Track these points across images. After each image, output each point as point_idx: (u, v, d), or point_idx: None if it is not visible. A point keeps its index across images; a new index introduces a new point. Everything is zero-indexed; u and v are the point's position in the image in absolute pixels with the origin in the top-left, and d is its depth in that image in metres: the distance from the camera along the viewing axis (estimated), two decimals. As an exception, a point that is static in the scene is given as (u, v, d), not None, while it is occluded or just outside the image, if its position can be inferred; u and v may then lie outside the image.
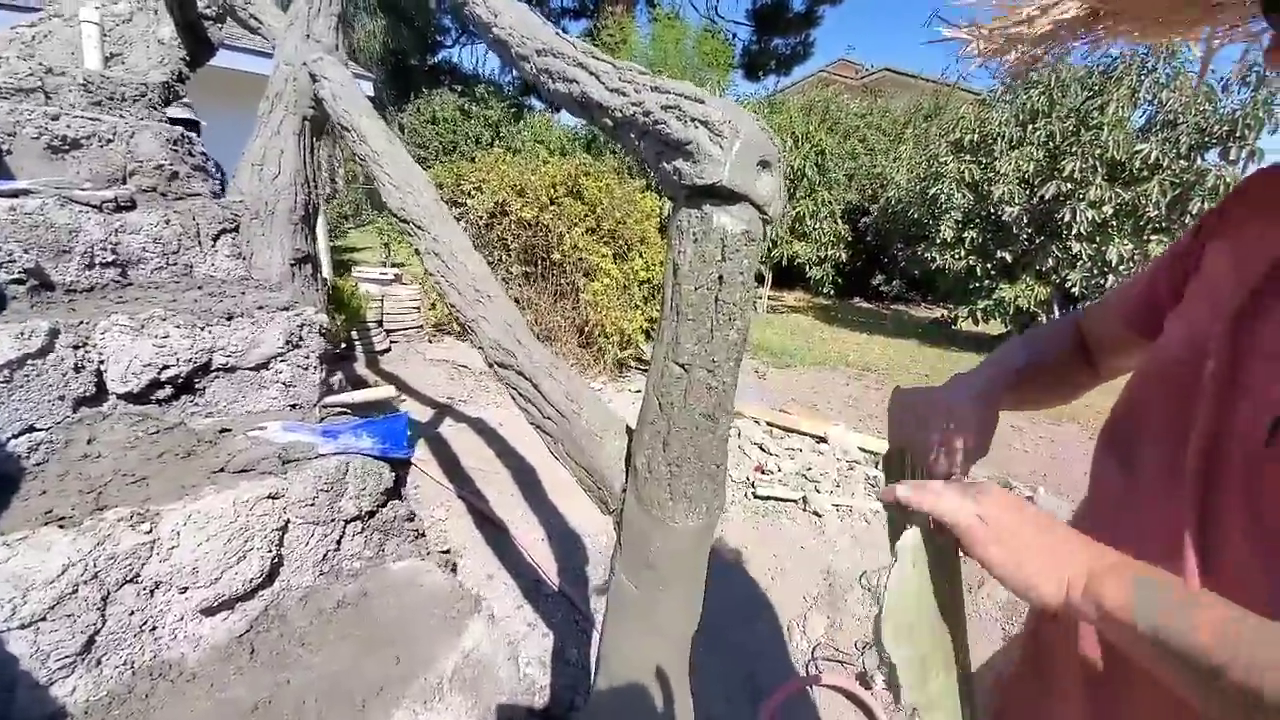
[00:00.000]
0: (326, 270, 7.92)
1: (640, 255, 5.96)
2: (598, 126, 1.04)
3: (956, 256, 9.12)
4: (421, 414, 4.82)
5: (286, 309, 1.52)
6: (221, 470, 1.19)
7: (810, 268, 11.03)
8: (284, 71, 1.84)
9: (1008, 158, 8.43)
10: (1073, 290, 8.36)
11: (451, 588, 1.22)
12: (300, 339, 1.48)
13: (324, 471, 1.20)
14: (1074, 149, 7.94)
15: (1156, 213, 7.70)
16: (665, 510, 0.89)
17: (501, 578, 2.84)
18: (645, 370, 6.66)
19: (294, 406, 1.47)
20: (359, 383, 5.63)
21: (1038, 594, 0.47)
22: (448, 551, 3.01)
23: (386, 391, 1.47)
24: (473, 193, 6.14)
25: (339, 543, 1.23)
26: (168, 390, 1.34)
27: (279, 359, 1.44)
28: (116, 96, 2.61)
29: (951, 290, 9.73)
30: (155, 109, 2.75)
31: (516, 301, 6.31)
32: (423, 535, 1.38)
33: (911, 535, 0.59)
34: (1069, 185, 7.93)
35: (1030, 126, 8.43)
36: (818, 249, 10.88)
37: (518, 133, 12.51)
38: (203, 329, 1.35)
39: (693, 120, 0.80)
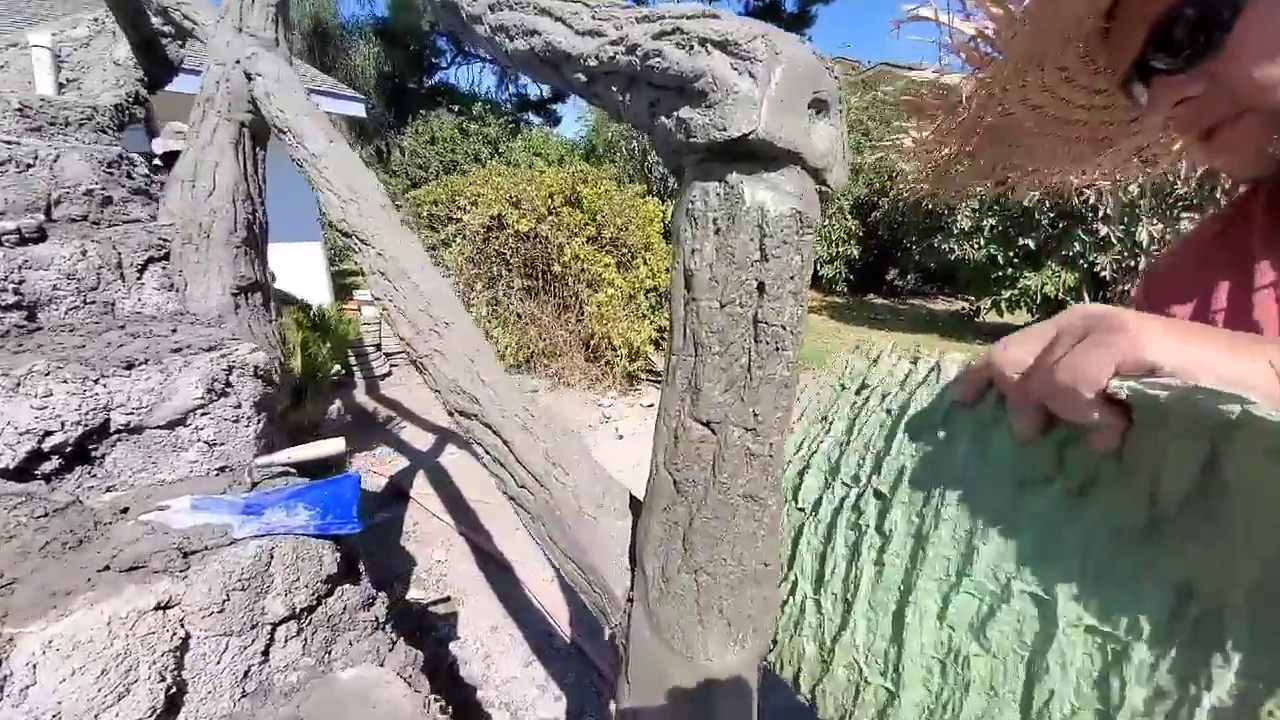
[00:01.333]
0: (326, 295, 7.74)
1: (645, 263, 5.68)
2: (571, 88, 0.76)
3: (976, 246, 8.74)
4: (423, 441, 4.56)
5: (213, 349, 1.25)
6: (107, 568, 0.91)
7: (821, 266, 10.69)
8: (215, 72, 1.59)
9: (1024, 140, 8.06)
10: (1103, 275, 7.95)
11: (413, 707, 0.93)
12: (227, 385, 1.21)
13: (237, 564, 0.92)
14: (1094, 127, 7.56)
15: (1186, 189, 7.29)
16: (690, 639, 0.59)
17: (507, 629, 2.55)
18: (657, 382, 6.36)
19: (222, 470, 1.20)
20: (359, 412, 5.39)
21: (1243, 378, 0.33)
22: (448, 599, 2.73)
23: (334, 446, 1.19)
24: (468, 207, 5.92)
25: (266, 653, 0.95)
26: (56, 461, 1.07)
27: (199, 413, 1.17)
28: (59, 121, 2.38)
29: (972, 281, 9.35)
30: (105, 132, 2.52)
31: (519, 317, 6.06)
32: (383, 626, 1.10)
33: None
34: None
35: (1045, 106, 8.05)
36: (829, 246, 10.57)
37: (517, 149, 12.39)
38: (96, 382, 1.08)
39: (703, 43, 0.51)
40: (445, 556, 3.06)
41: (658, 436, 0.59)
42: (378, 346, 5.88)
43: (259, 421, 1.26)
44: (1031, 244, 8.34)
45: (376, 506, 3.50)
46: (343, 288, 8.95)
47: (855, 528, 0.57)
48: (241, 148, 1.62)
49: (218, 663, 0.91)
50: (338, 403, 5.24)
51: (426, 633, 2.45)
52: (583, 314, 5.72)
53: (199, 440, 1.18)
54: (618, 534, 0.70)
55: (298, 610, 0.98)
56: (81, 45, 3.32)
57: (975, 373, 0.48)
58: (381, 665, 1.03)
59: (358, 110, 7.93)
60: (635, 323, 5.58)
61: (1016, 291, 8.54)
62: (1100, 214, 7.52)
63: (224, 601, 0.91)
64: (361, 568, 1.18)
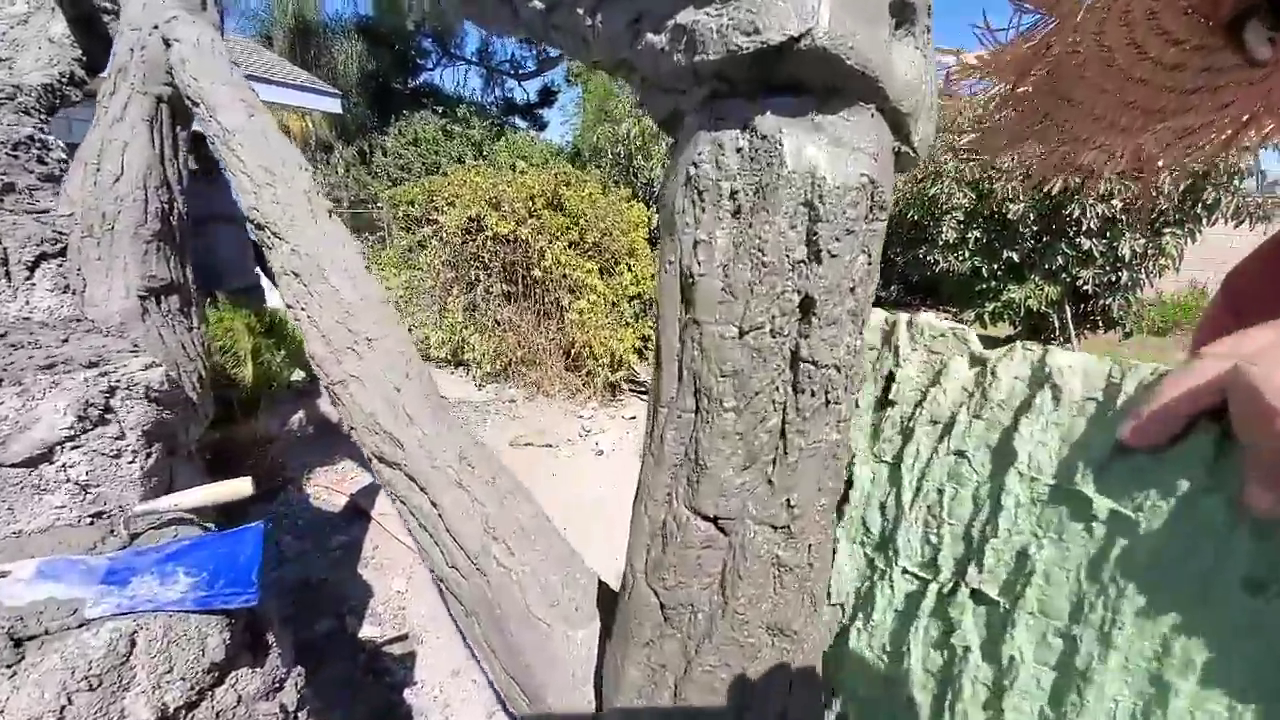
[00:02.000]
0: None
1: (629, 269, 5.50)
2: (527, 29, 0.56)
3: (960, 258, 8.72)
4: (392, 455, 4.29)
5: (94, 365, 1.02)
6: (-99, 664, 0.68)
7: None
8: (129, 38, 1.37)
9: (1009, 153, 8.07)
10: (1084, 288, 7.98)
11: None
12: (107, 411, 0.98)
13: (83, 656, 0.69)
14: (1078, 142, 7.60)
15: (1168, 204, 7.36)
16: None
17: (470, 673, 2.30)
18: (640, 393, 6.16)
19: (97, 517, 0.97)
20: (322, 422, 5.08)
21: None
22: (405, 637, 2.49)
23: (238, 487, 0.97)
24: (445, 208, 5.69)
25: (123, 770, 0.73)
26: None
27: (69, 445, 0.94)
28: (-29, 98, 2.12)
29: (956, 293, 9.34)
30: (29, 114, 2.27)
31: (497, 323, 5.82)
32: (293, 716, 0.88)
33: None
34: (1076, 179, 7.56)
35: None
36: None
37: (500, 151, 12.21)
38: (-76, 409, 0.84)
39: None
40: (406, 587, 2.81)
41: (636, 530, 0.39)
42: (347, 353, 5.58)
43: (149, 455, 1.03)
44: (1015, 257, 8.34)
45: (334, 529, 3.24)
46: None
47: (944, 649, 0.37)
48: (158, 126, 1.39)
49: (47, 791, 0.68)
50: (300, 414, 4.93)
51: (379, 677, 2.21)
52: (563, 321, 5.51)
53: (67, 480, 0.95)
54: (579, 650, 0.49)
55: (170, 710, 0.75)
56: (19, 22, 3.03)
57: (1177, 401, 0.28)
58: (282, 776, 0.81)
59: (333, 106, 7.67)
60: (618, 330, 5.39)
61: (1000, 304, 8.53)
62: (1084, 228, 7.54)
63: (64, 707, 0.68)
64: (271, 638, 0.95)
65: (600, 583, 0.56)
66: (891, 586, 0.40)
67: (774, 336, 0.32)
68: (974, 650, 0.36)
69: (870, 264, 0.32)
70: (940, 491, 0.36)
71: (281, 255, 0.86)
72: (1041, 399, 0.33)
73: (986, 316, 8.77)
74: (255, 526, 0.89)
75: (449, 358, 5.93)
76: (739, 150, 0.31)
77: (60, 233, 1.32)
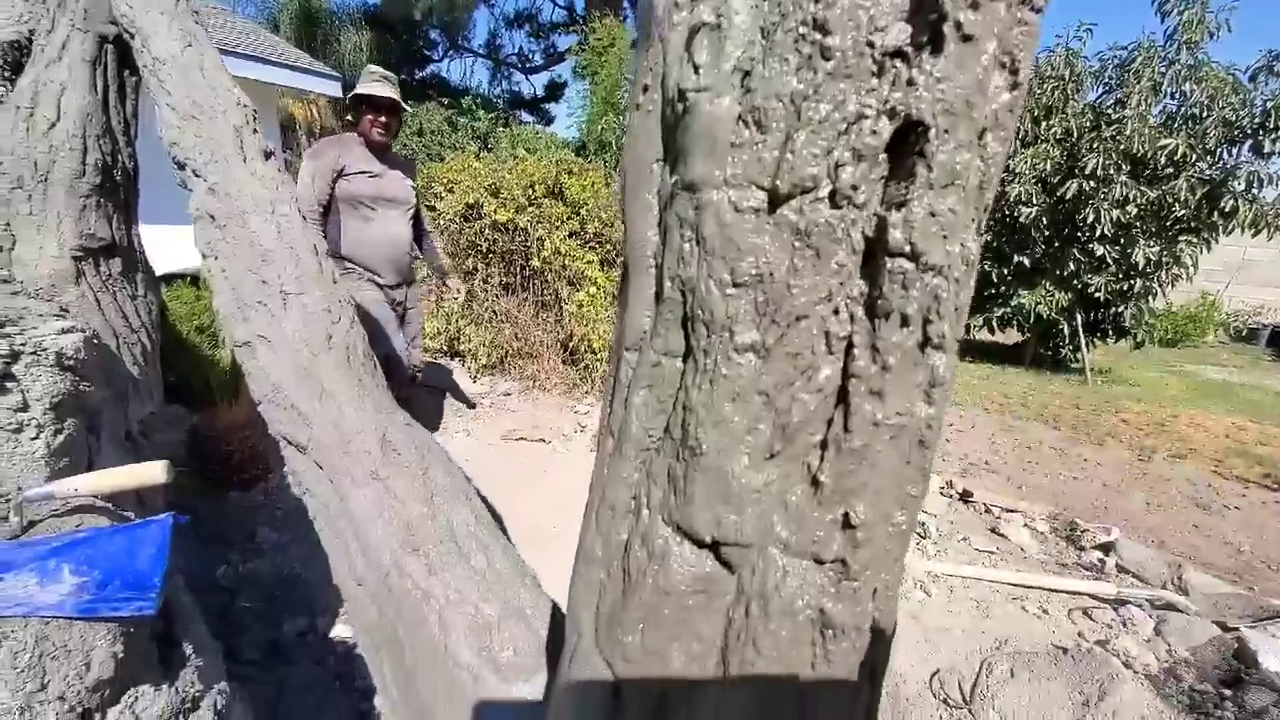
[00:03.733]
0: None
1: (631, 262, 5.36)
2: None
3: (970, 261, 8.58)
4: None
5: (-6, 327, 0.88)
6: None
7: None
8: (68, -35, 1.22)
9: (1022, 156, 7.89)
10: (1096, 296, 7.82)
11: None
12: (6, 378, 0.84)
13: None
14: (1094, 145, 7.42)
15: (1185, 211, 7.18)
16: None
17: (447, 678, 2.16)
18: (638, 389, 6.01)
19: (-17, 503, 0.83)
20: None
21: None
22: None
23: (151, 472, 0.82)
24: (443, 194, 5.54)
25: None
26: None
27: (-49, 418, 0.80)
28: (-75, 49, 1.98)
29: (964, 298, 9.20)
30: (-11, 70, 2.13)
31: (495, 315, 5.68)
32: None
33: None
34: (1091, 184, 7.38)
35: (1045, 123, 7.90)
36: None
37: (502, 140, 12.10)
38: None
39: None
40: (385, 583, 2.67)
41: (583, 557, 0.24)
42: (340, 340, 5.46)
43: (59, 432, 0.89)
44: (1026, 262, 8.17)
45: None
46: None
47: None
48: (102, 69, 1.25)
49: None
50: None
51: (349, 682, 2.06)
52: (562, 313, 5.36)
53: (-51, 458, 0.81)
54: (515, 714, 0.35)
55: (33, 744, 0.61)
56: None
57: None
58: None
59: (334, 89, 7.51)
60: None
61: (1009, 309, 8.37)
62: (1098, 233, 7.36)
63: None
64: (189, 649, 0.81)
65: (560, 616, 0.41)
66: None
67: (837, 206, 0.17)
68: None
69: (1019, 81, 0.17)
70: None
71: (198, 196, 0.72)
72: None
73: (995, 322, 8.62)
74: (162, 519, 0.74)
75: (445, 348, 5.80)
76: None
77: (-16, 183, 1.18)
